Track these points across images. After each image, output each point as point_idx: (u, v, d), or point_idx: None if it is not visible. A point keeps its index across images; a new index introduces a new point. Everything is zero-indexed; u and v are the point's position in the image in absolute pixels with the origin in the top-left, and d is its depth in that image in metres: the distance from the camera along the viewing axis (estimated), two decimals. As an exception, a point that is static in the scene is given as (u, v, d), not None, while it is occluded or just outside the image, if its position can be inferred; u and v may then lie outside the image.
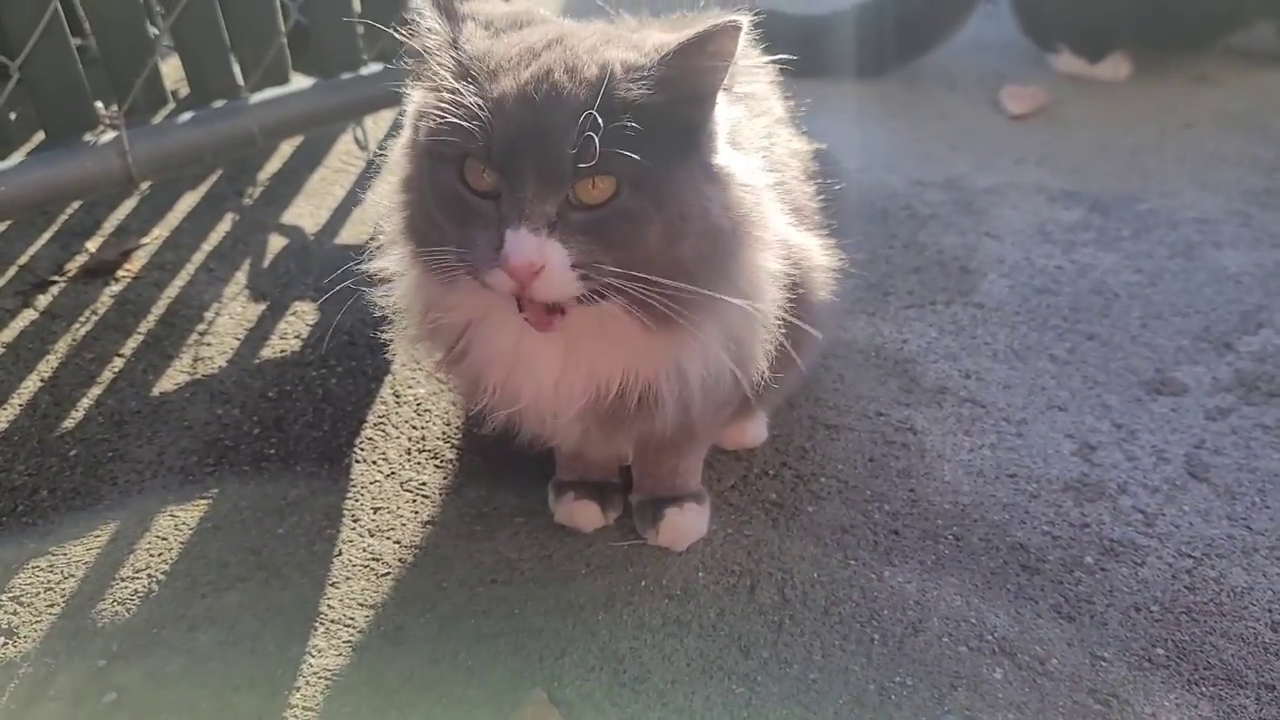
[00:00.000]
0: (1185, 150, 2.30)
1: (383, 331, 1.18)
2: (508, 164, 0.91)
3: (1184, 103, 2.53)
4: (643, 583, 1.29)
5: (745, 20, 0.91)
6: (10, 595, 1.27)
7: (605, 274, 0.94)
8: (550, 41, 0.97)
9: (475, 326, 1.09)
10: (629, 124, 0.91)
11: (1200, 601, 1.25)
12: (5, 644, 1.21)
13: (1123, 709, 1.13)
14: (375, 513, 1.38)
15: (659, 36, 0.99)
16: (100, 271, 1.89)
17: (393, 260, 1.11)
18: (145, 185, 2.10)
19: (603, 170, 0.91)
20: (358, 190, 2.16)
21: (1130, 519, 1.36)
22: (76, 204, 2.08)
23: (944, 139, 2.39)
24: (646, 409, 1.09)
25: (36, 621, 1.24)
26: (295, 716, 1.13)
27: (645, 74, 0.93)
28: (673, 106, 0.94)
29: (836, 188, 1.32)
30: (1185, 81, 2.64)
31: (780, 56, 1.29)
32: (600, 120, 0.89)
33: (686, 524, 1.32)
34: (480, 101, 0.92)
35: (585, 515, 1.34)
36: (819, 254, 1.24)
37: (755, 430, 1.48)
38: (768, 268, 1.07)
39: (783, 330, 1.10)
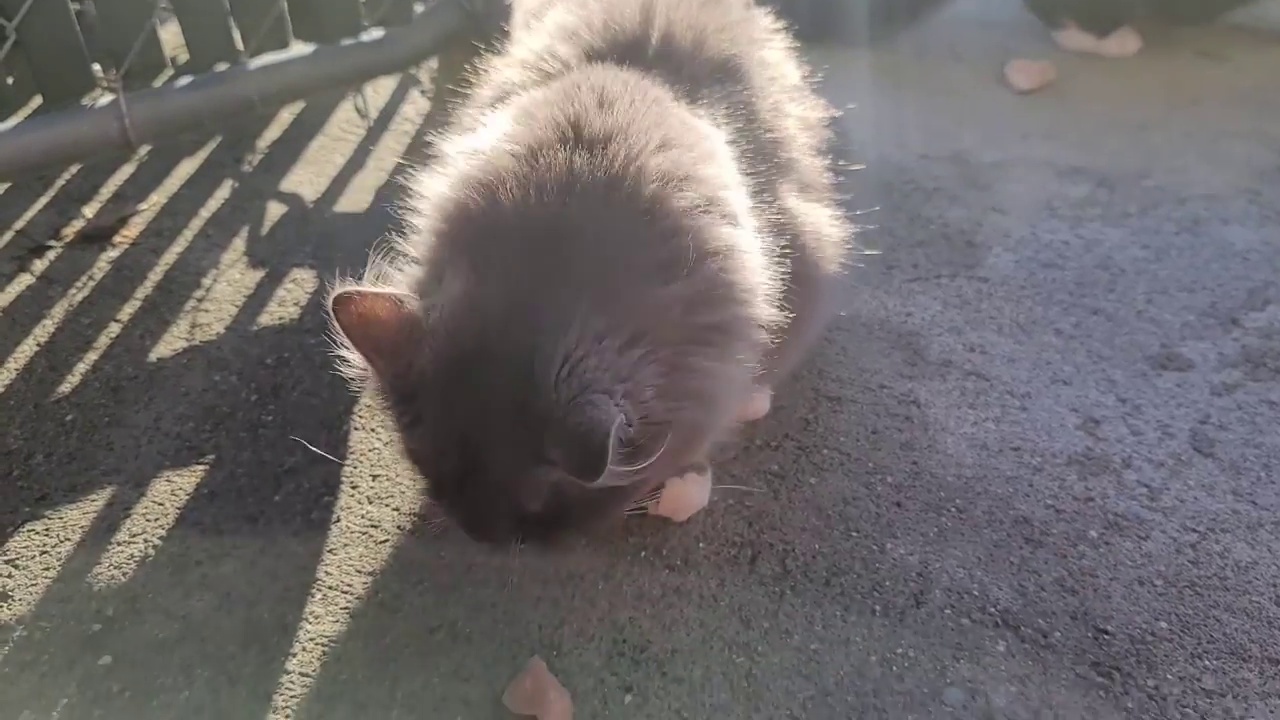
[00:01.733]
0: (1193, 126, 2.27)
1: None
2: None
3: (1192, 78, 2.51)
4: (642, 553, 1.28)
5: None
6: (5, 559, 1.26)
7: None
8: None
9: None
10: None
11: (1204, 576, 1.24)
12: (0, 607, 1.20)
13: (1125, 681, 1.12)
14: (374, 480, 1.37)
15: None
16: (97, 237, 1.87)
17: None
18: (143, 150, 2.09)
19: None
20: (358, 158, 2.14)
21: (1135, 493, 1.35)
22: (74, 169, 2.06)
23: (950, 113, 2.37)
24: None
25: (31, 585, 1.23)
26: (292, 683, 1.12)
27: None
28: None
29: (852, 168, 1.30)
30: (1193, 57, 2.61)
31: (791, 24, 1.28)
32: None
33: (687, 494, 1.31)
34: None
35: (586, 484, 1.33)
36: (828, 226, 1.23)
37: (757, 402, 1.47)
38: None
39: (788, 304, 1.08)
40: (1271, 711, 1.09)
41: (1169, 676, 1.13)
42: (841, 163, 1.33)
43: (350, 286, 0.91)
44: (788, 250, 1.10)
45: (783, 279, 1.07)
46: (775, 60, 1.41)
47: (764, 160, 1.18)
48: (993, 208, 1.99)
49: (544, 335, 0.89)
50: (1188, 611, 1.20)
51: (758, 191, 1.14)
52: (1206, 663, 1.14)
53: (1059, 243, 1.88)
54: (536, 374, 0.88)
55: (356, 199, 2.00)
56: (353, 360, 0.96)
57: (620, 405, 0.89)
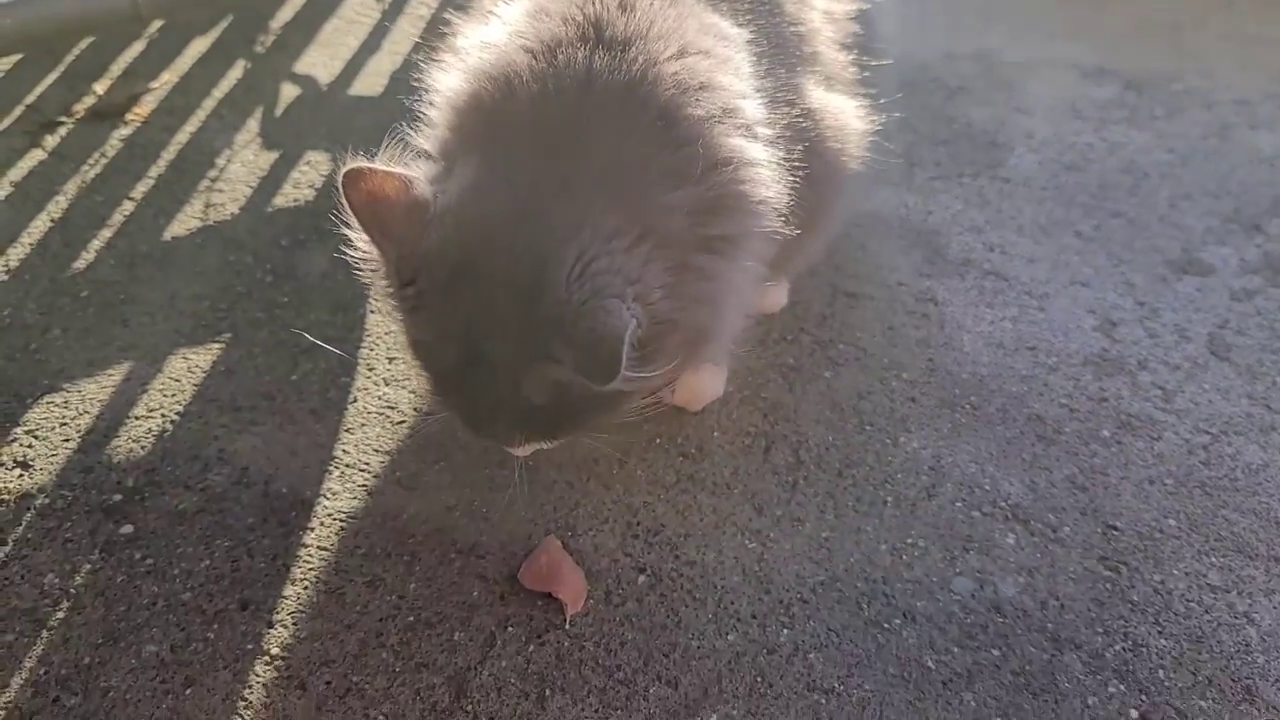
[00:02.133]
0: (1226, 28, 2.22)
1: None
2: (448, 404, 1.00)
3: (1227, -19, 2.44)
4: (658, 440, 1.28)
5: None
6: (25, 429, 1.27)
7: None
8: None
9: None
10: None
11: (1215, 477, 1.25)
12: (21, 475, 1.22)
13: (1132, 576, 1.14)
14: (390, 363, 1.37)
15: None
16: (109, 114, 1.84)
17: None
18: (154, 27, 2.05)
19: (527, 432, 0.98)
20: (372, 41, 2.10)
21: (1149, 395, 1.36)
22: (84, 44, 2.02)
23: (976, 10, 2.31)
24: None
25: (52, 455, 1.24)
26: (310, 556, 1.14)
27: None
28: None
29: (878, 63, 1.27)
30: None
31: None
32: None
33: (703, 384, 1.31)
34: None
35: (602, 371, 1.33)
36: (852, 119, 1.20)
37: (775, 295, 1.46)
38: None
39: (807, 196, 1.07)
40: (1275, 608, 1.10)
41: (1175, 572, 1.14)
42: (867, 58, 1.30)
43: (361, 163, 0.90)
44: (809, 146, 1.08)
45: (803, 173, 1.05)
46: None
47: (787, 55, 1.16)
48: (1017, 108, 1.96)
49: (556, 232, 0.88)
50: (1196, 510, 1.21)
51: (779, 90, 1.11)
52: (1213, 559, 1.16)
53: (1083, 144, 1.85)
54: (549, 271, 0.87)
55: (371, 82, 1.97)
56: (358, 242, 0.95)
57: (631, 309, 0.88)
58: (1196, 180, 1.75)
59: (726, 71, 1.03)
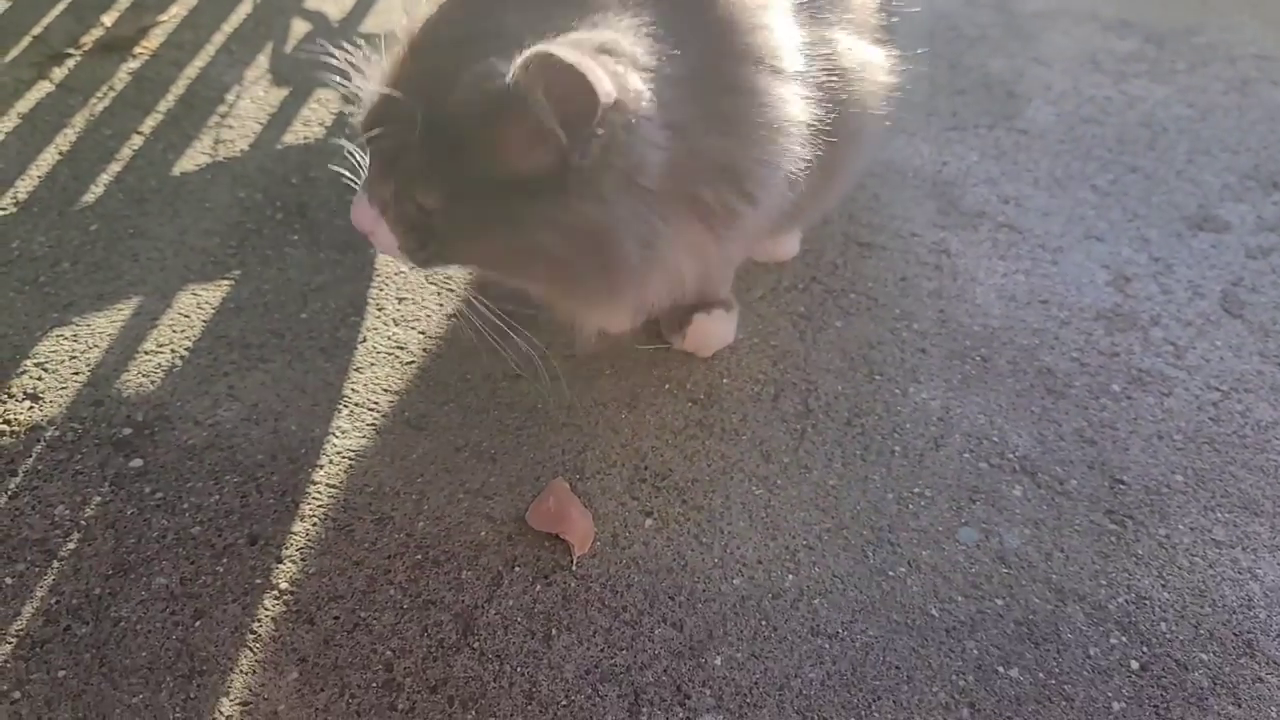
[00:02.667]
0: (1250, -17, 2.19)
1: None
2: (366, 142, 0.93)
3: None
4: (667, 386, 1.28)
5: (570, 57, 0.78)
6: (35, 361, 1.27)
7: (445, 263, 1.00)
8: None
9: None
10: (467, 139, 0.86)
11: (1224, 433, 1.25)
12: (31, 407, 1.22)
13: (1137, 530, 1.14)
14: (400, 303, 1.37)
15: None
16: (116, 47, 1.82)
17: None
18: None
19: (426, 182, 0.90)
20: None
21: (1160, 350, 1.35)
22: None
23: (997, -41, 2.28)
24: None
25: (61, 388, 1.24)
26: (319, 493, 1.14)
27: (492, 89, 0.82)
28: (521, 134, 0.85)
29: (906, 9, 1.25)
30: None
31: None
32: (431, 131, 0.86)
33: (714, 330, 1.31)
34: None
35: (612, 316, 1.33)
36: (877, 70, 1.18)
37: (788, 243, 1.45)
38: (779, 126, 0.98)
39: (825, 145, 1.05)
40: (1279, 563, 1.11)
41: (1180, 526, 1.15)
42: (895, 2, 1.27)
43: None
44: (834, 98, 1.06)
45: (824, 120, 1.03)
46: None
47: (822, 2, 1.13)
48: (1035, 59, 1.93)
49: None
50: (1204, 466, 1.21)
51: (814, 42, 1.09)
52: (1219, 515, 1.16)
53: (1101, 98, 1.83)
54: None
55: (383, 20, 1.94)
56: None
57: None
58: (1215, 136, 1.73)
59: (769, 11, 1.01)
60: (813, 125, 0.99)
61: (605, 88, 0.79)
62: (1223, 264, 1.48)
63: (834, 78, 1.06)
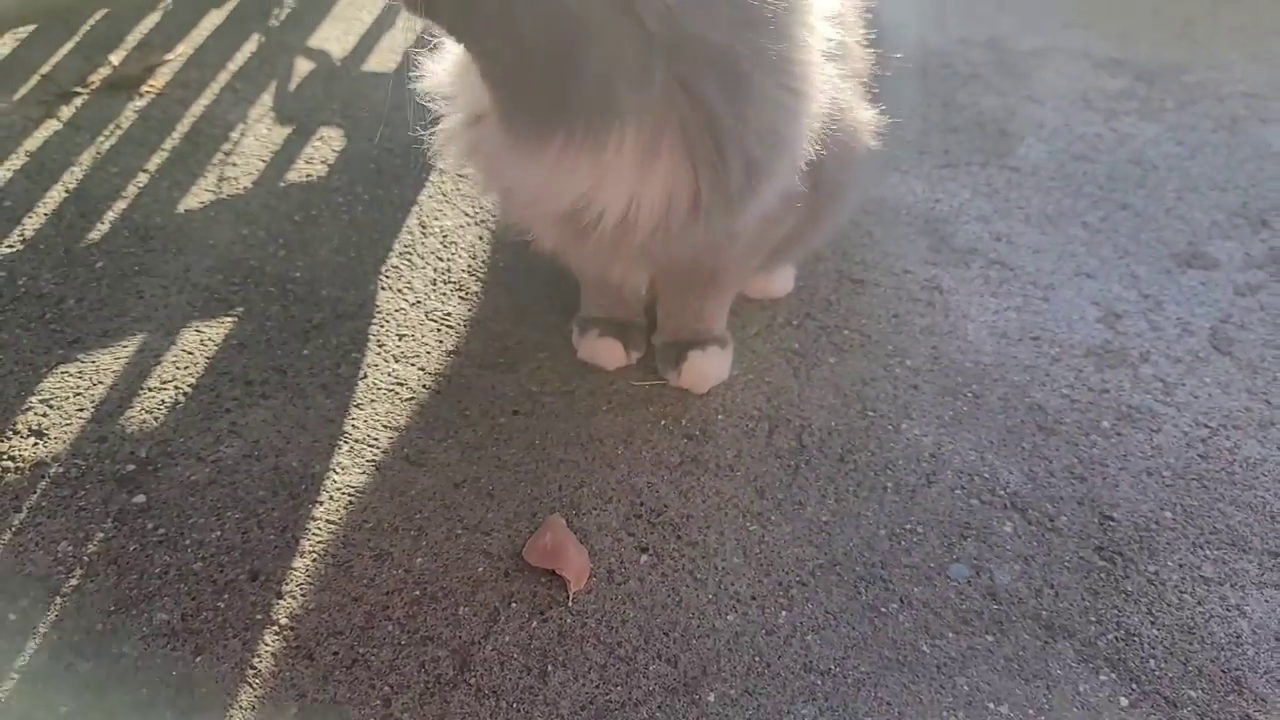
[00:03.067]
0: (1239, 21, 2.22)
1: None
2: None
3: (1242, -27, 2.44)
4: (662, 422, 1.30)
5: None
6: (40, 398, 1.29)
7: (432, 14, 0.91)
8: None
9: (484, 122, 1.06)
10: None
11: (1213, 470, 1.27)
12: (36, 444, 1.24)
13: (1126, 566, 1.15)
14: (400, 339, 1.39)
15: None
16: (123, 85, 1.85)
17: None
18: (169, -2, 2.05)
19: None
20: (387, 16, 2.10)
21: (1150, 387, 1.37)
22: (99, 15, 2.03)
23: (990, -3, 2.31)
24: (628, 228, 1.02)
25: (66, 424, 1.26)
26: (319, 529, 1.16)
27: None
28: None
29: (893, 56, 1.26)
30: (1246, -50, 2.53)
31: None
32: None
33: (709, 367, 1.33)
34: None
35: (608, 353, 1.35)
36: (869, 133, 1.19)
37: (781, 280, 1.47)
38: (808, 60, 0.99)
39: (816, 183, 1.07)
40: (1267, 600, 1.12)
41: (1169, 563, 1.16)
42: (880, 50, 1.30)
43: None
44: (826, 135, 1.08)
45: (819, 157, 1.05)
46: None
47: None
48: (1028, 96, 1.96)
49: None
50: (1193, 503, 1.23)
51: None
52: (1207, 552, 1.17)
53: (1092, 135, 1.86)
54: None
55: (385, 59, 1.98)
56: None
57: None
58: (1204, 173, 1.76)
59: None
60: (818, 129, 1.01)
61: None
62: (1211, 301, 1.50)
63: (833, 126, 1.09)
